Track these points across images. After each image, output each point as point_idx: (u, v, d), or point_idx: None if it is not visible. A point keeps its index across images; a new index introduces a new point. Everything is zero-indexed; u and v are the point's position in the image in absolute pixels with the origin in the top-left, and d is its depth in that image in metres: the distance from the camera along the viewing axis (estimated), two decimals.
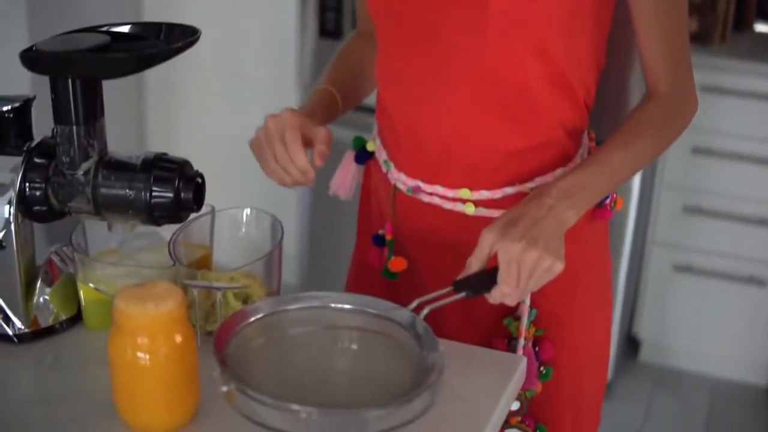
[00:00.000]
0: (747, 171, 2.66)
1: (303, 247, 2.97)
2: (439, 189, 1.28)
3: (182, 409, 1.01)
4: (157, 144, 3.36)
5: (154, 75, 2.78)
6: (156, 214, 1.11)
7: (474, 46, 1.18)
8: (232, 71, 3.09)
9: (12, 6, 2.67)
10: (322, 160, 1.20)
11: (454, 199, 1.28)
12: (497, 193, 1.27)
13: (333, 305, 1.05)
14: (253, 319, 1.02)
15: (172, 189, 1.10)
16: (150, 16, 3.15)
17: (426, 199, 1.30)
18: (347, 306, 1.05)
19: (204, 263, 1.24)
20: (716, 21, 2.70)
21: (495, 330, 1.31)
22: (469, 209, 1.27)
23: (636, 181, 2.59)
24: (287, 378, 1.00)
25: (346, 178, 1.42)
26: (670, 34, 1.23)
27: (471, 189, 1.26)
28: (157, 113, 3.35)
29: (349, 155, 1.43)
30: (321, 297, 1.06)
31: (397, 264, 1.34)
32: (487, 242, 1.10)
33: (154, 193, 1.10)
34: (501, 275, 1.08)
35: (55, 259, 1.20)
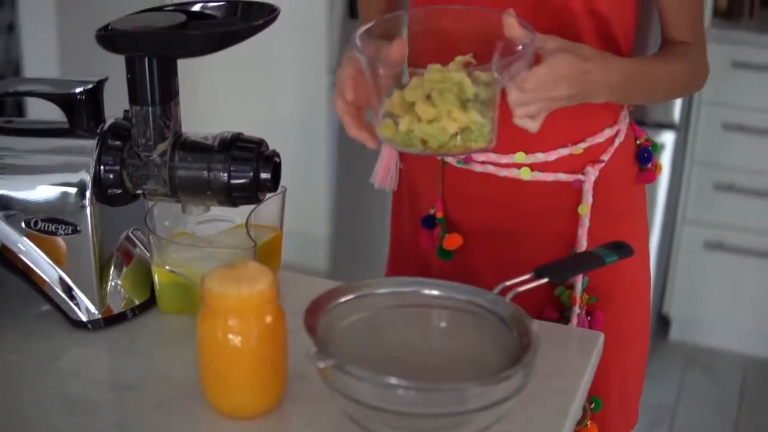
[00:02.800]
0: None
1: (333, 230, 2.96)
2: (492, 156, 1.27)
3: (272, 391, 1.00)
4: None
5: (181, 62, 2.72)
6: (234, 195, 1.10)
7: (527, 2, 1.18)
8: (262, 55, 3.07)
9: None
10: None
11: (508, 165, 1.27)
12: (552, 155, 1.26)
13: (421, 290, 1.04)
14: (343, 299, 1.01)
15: (251, 169, 1.09)
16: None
17: (479, 168, 1.28)
18: (435, 291, 1.04)
19: (275, 245, 1.23)
20: None
21: (546, 300, 1.30)
22: (525, 174, 1.26)
23: (667, 157, 2.58)
24: (379, 356, 0.99)
25: (389, 168, 1.41)
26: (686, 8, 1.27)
27: (526, 152, 1.26)
28: (187, 100, 3.33)
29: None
30: (408, 282, 1.06)
31: (453, 241, 1.32)
32: (546, 45, 1.08)
33: (233, 174, 1.08)
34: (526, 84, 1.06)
35: (127, 243, 1.19)
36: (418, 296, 1.04)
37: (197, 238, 1.19)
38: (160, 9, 1.12)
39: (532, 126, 1.07)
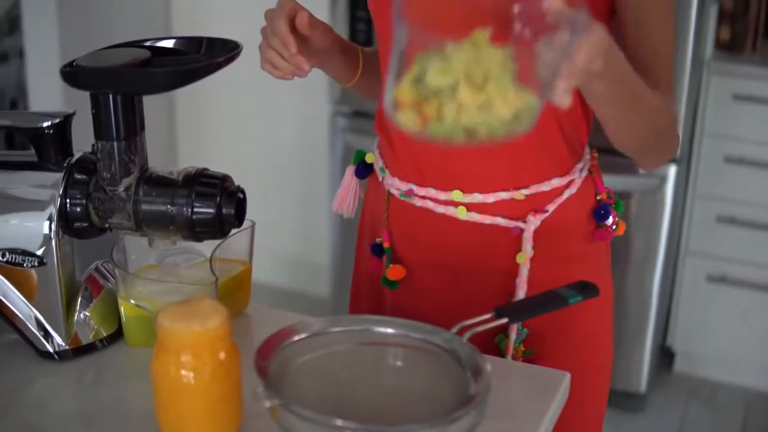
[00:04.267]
0: None
1: (335, 258, 2.96)
2: (432, 191, 1.27)
3: (226, 427, 1.00)
4: (188, 154, 3.37)
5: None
6: (198, 230, 1.10)
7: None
8: (263, 82, 3.08)
9: (44, 18, 2.69)
10: (305, 25, 1.21)
11: (446, 202, 1.27)
12: (490, 197, 1.25)
13: (376, 328, 1.04)
14: (296, 338, 1.01)
15: (213, 205, 1.09)
16: (178, 26, 3.16)
17: (418, 203, 1.29)
18: (390, 330, 1.04)
19: (244, 279, 1.23)
20: (747, 29, 2.68)
21: (487, 345, 1.27)
22: (461, 213, 1.26)
23: (669, 189, 2.57)
24: (331, 395, 0.99)
25: (348, 194, 1.42)
26: (658, 46, 1.21)
27: (463, 191, 1.25)
28: (188, 124, 3.36)
29: (350, 170, 1.43)
30: (363, 320, 1.05)
31: (394, 272, 1.32)
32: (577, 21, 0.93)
33: (195, 209, 1.09)
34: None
35: (96, 275, 1.20)
36: (373, 334, 1.04)
37: (165, 271, 1.20)
38: (128, 45, 1.13)
39: (567, 101, 0.92)
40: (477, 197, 1.25)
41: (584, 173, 1.31)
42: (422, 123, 0.92)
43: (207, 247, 1.20)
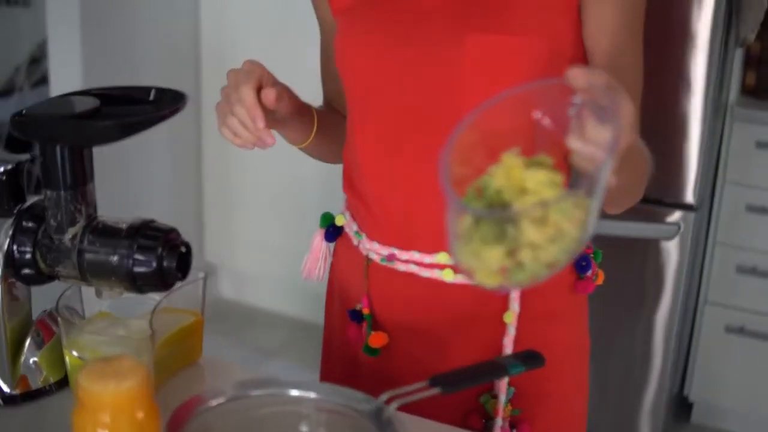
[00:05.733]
0: None
1: None
2: (416, 255, 1.23)
3: None
4: (213, 176, 3.38)
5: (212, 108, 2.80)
6: (139, 283, 1.10)
7: (450, 100, 1.13)
8: None
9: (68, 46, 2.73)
10: (272, 100, 1.14)
11: (431, 266, 1.22)
12: None
13: (297, 393, 1.02)
14: (214, 403, 0.99)
15: (155, 257, 1.09)
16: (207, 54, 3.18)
17: (402, 267, 1.25)
18: (312, 394, 1.02)
19: (195, 330, 1.23)
20: None
21: (472, 406, 1.26)
22: (448, 276, 1.22)
23: (688, 238, 2.51)
24: None
25: (317, 259, 1.39)
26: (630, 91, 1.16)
27: (449, 253, 1.20)
28: (215, 150, 3.38)
29: (318, 235, 1.39)
30: (285, 384, 1.03)
31: (377, 339, 1.28)
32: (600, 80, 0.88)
33: (136, 261, 1.09)
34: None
35: (48, 320, 1.20)
36: (295, 400, 1.02)
37: (113, 320, 1.20)
38: (81, 93, 1.13)
39: (613, 181, 0.87)
40: None
41: None
42: (503, 276, 0.87)
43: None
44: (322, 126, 1.33)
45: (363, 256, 1.29)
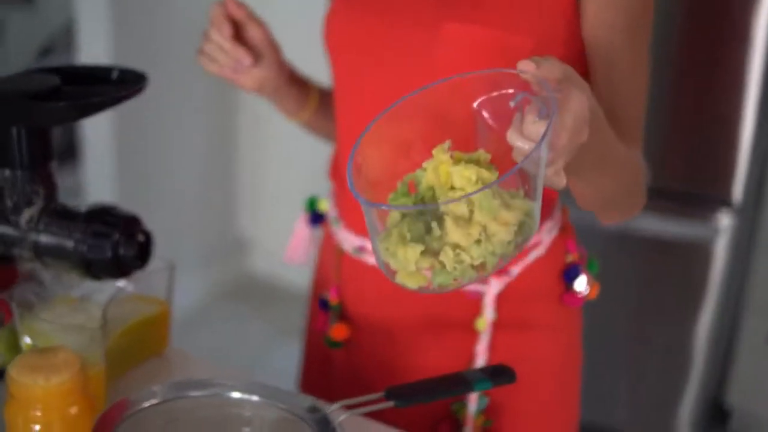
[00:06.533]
0: None
1: None
2: None
3: None
4: (247, 149, 3.33)
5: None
6: (93, 269, 1.05)
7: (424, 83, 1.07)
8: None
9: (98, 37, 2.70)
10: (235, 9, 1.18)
11: None
12: None
13: (239, 395, 0.96)
14: (147, 404, 0.94)
15: (110, 245, 1.04)
16: None
17: (372, 260, 1.18)
18: (255, 398, 0.95)
19: (160, 320, 1.17)
20: None
21: (443, 414, 1.19)
22: None
23: (723, 239, 2.38)
24: None
25: (300, 244, 1.33)
26: (630, 95, 1.08)
27: None
28: (250, 123, 3.33)
29: (302, 219, 1.35)
30: (227, 385, 0.97)
31: (338, 331, 1.22)
32: (554, 74, 0.82)
33: (90, 247, 1.04)
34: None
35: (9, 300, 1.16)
36: (236, 403, 0.96)
37: (74, 306, 1.15)
38: (42, 70, 1.08)
39: (561, 182, 0.84)
40: None
41: (554, 233, 1.20)
42: (425, 279, 0.80)
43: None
44: (325, 106, 1.31)
45: (337, 244, 1.24)
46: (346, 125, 1.18)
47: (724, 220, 2.37)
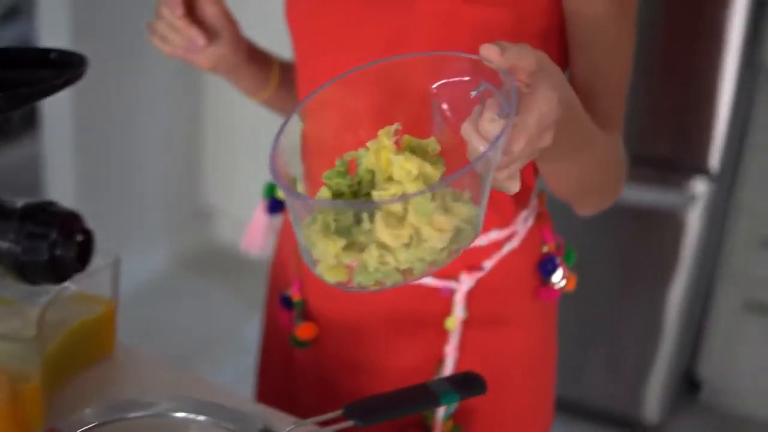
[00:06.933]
0: None
1: None
2: None
3: None
4: (213, 115, 3.23)
5: None
6: (28, 274, 0.96)
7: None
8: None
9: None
10: None
11: None
12: None
13: (182, 415, 0.88)
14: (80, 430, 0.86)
15: (46, 246, 0.95)
16: None
17: None
18: (201, 417, 0.87)
19: (105, 320, 1.09)
20: None
21: (411, 419, 1.12)
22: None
23: (708, 206, 2.33)
24: None
25: (257, 232, 1.25)
26: (612, 78, 1.01)
27: None
28: (216, 88, 3.23)
29: (261, 206, 1.26)
30: (169, 405, 0.89)
31: (305, 331, 1.14)
32: (521, 63, 0.74)
33: (25, 250, 0.95)
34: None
35: None
36: (180, 424, 0.88)
37: (15, 308, 1.06)
38: None
39: (514, 187, 0.77)
40: None
41: (529, 222, 1.12)
42: (346, 274, 0.73)
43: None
44: (288, 80, 1.22)
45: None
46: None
47: (700, 188, 2.31)
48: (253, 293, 3.07)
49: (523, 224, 1.11)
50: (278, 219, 1.28)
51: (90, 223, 0.97)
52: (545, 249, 1.13)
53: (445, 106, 0.79)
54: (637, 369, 2.51)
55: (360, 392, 1.09)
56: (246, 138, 3.20)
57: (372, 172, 0.74)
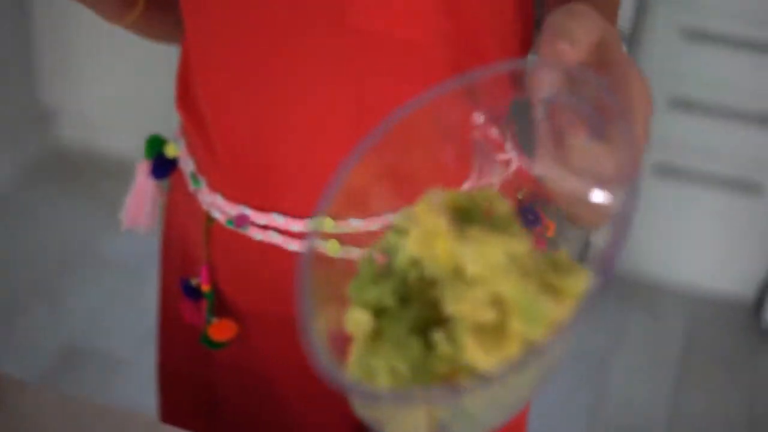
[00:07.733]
0: (741, 59, 2.24)
1: None
2: (279, 220, 0.84)
3: None
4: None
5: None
6: None
7: (335, 14, 0.75)
8: None
9: None
10: None
11: (302, 235, 0.84)
12: (375, 222, 0.77)
13: None
14: None
15: None
16: None
17: (258, 236, 0.86)
18: None
19: None
20: None
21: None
22: (333, 249, 0.72)
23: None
24: None
25: (143, 203, 0.97)
26: None
27: (335, 217, 0.71)
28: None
29: (143, 169, 0.97)
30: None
31: (222, 331, 0.90)
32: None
33: None
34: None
35: None
36: None
37: None
38: None
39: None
40: (354, 224, 0.76)
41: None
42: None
43: None
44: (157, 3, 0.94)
45: (203, 212, 0.90)
46: (199, 41, 0.81)
47: None
48: (110, 199, 2.75)
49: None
50: (167, 183, 0.99)
51: None
52: (520, 197, 0.92)
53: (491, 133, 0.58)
54: None
55: (301, 395, 0.92)
56: (86, 28, 2.80)
57: (417, 264, 0.50)
